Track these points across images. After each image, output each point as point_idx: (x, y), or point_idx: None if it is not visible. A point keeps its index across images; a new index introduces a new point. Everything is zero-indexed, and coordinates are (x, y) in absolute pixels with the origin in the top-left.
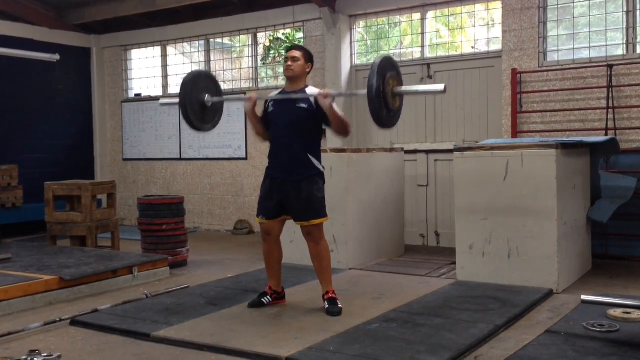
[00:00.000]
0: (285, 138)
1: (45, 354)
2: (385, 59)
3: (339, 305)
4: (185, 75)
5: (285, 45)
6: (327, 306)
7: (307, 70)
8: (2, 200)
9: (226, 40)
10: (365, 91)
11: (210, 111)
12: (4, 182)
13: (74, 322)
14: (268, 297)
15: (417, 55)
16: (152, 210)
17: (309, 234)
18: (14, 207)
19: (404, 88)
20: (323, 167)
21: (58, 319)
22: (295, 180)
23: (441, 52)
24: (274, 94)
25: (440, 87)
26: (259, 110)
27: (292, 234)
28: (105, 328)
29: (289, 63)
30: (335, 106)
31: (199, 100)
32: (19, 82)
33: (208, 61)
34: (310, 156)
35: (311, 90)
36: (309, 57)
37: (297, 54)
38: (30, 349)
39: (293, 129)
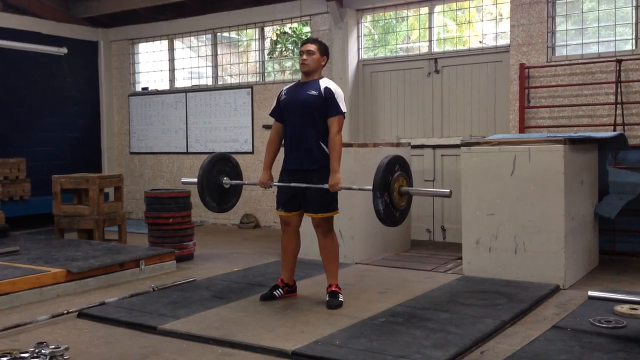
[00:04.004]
0: (297, 126)
1: (53, 346)
2: (385, 168)
3: (340, 299)
4: (207, 159)
5: (292, 39)
6: (327, 299)
7: (323, 63)
8: (10, 193)
9: (233, 34)
10: (371, 188)
11: (229, 192)
12: (12, 174)
13: (82, 314)
14: (280, 289)
15: (425, 49)
16: (158, 204)
17: (317, 226)
18: (21, 199)
19: (411, 189)
20: None
21: (65, 312)
22: (307, 169)
23: (448, 47)
24: (289, 85)
25: (446, 191)
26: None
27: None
28: (112, 321)
29: (304, 57)
30: (338, 175)
31: (217, 183)
32: (26, 76)
33: (215, 55)
34: (322, 144)
35: (327, 80)
36: (324, 50)
37: (312, 47)
38: (37, 341)
39: (305, 116)
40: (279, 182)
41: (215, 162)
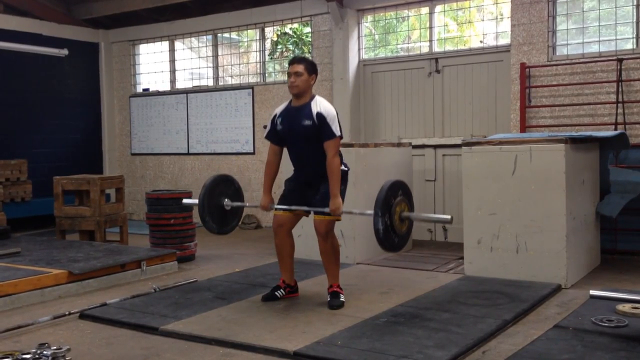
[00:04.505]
0: (300, 155)
1: (54, 347)
2: (389, 189)
3: (341, 299)
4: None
5: (293, 39)
6: (328, 299)
7: (312, 82)
8: (12, 194)
9: (234, 35)
10: (372, 212)
11: (230, 215)
12: (14, 176)
13: (83, 315)
14: (281, 290)
15: (425, 49)
16: (160, 205)
17: (317, 229)
18: (23, 201)
19: (412, 214)
20: (346, 167)
21: (67, 313)
22: (317, 181)
23: (449, 47)
24: (281, 106)
25: (447, 218)
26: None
27: (300, 229)
28: (114, 322)
29: (292, 79)
30: (339, 200)
31: (219, 206)
32: (27, 78)
33: (215, 56)
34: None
35: (319, 101)
36: (312, 69)
37: (299, 68)
38: (39, 342)
39: (304, 146)
40: (284, 190)
41: (218, 183)
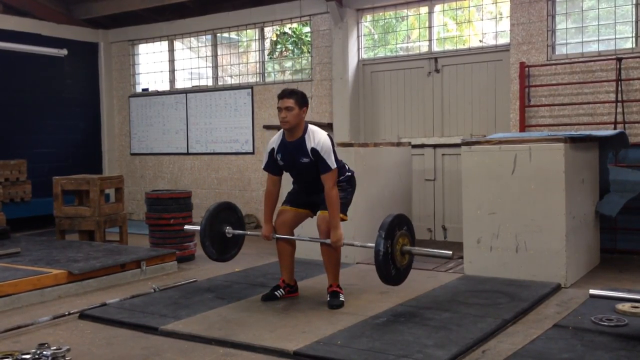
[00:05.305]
0: (303, 182)
1: (54, 348)
2: (394, 219)
3: (341, 299)
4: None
5: (292, 39)
6: (328, 299)
7: (303, 115)
8: (11, 194)
9: (233, 35)
10: (373, 245)
11: (230, 243)
12: (13, 176)
13: (83, 315)
14: (281, 290)
15: (425, 49)
16: (159, 205)
17: (321, 229)
18: (22, 201)
19: (414, 249)
20: (350, 171)
21: (67, 313)
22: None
23: (449, 46)
24: (275, 138)
25: (448, 253)
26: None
27: (300, 229)
28: (114, 322)
29: (284, 115)
30: (340, 231)
31: (220, 233)
32: (27, 78)
33: (215, 56)
34: None
35: (312, 133)
36: (302, 101)
37: (289, 102)
38: (39, 342)
39: (306, 178)
40: (292, 189)
41: (222, 209)
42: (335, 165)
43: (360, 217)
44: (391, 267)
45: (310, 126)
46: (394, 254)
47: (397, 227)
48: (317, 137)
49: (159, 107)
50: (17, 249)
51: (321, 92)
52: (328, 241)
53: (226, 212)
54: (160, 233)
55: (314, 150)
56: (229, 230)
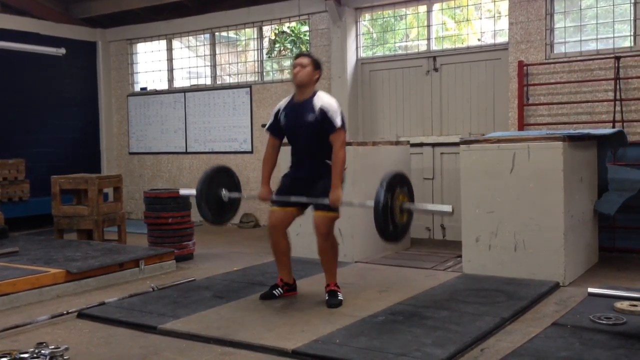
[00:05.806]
0: (302, 148)
1: (53, 347)
2: (396, 175)
3: (339, 297)
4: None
5: (291, 38)
6: (326, 298)
7: (316, 77)
8: (10, 194)
9: (231, 34)
10: (373, 202)
11: (226, 206)
12: (11, 176)
13: (81, 314)
14: (279, 289)
15: (423, 48)
16: (158, 204)
17: (318, 228)
18: (21, 200)
19: (413, 205)
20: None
21: (65, 312)
22: (315, 176)
23: (447, 45)
24: (284, 101)
25: (448, 208)
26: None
27: (298, 227)
28: (112, 321)
29: (297, 69)
30: (339, 192)
31: (216, 195)
32: (25, 77)
33: (213, 55)
34: (328, 162)
35: (322, 95)
36: (317, 65)
37: (305, 60)
38: (37, 341)
39: (307, 141)
40: (280, 184)
41: (219, 171)
42: (341, 125)
43: (358, 215)
44: (389, 221)
45: (320, 91)
46: (394, 209)
47: (399, 184)
48: (326, 99)
49: (158, 106)
50: (15, 248)
51: None
52: (326, 201)
53: (223, 175)
54: (159, 232)
55: (321, 109)
56: (225, 193)
